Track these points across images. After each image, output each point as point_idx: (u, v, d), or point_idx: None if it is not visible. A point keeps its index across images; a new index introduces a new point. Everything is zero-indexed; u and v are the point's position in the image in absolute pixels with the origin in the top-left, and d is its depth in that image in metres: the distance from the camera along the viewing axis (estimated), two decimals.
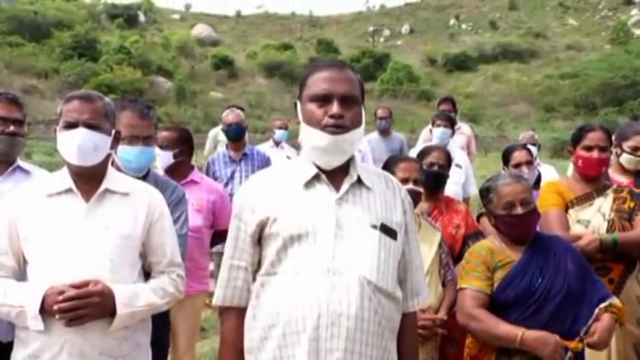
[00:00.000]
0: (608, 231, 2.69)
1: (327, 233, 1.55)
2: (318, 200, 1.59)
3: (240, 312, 1.64)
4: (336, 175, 1.63)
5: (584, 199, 2.79)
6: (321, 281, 1.51)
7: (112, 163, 2.47)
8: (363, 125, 1.65)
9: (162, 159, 3.26)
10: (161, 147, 3.22)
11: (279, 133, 6.15)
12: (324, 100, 1.59)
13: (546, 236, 2.41)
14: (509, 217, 2.28)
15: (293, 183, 1.63)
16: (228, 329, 1.67)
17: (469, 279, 2.29)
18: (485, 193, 2.40)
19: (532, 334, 2.12)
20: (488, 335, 2.21)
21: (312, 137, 1.60)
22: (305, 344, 1.49)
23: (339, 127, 1.57)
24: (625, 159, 3.11)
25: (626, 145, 3.10)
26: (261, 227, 1.60)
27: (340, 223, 1.56)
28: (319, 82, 1.60)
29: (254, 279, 1.64)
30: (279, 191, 1.63)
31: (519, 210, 2.27)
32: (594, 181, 2.81)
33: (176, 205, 2.46)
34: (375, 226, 1.59)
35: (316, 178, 1.62)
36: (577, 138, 2.85)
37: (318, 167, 1.63)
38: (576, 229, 2.73)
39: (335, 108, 1.57)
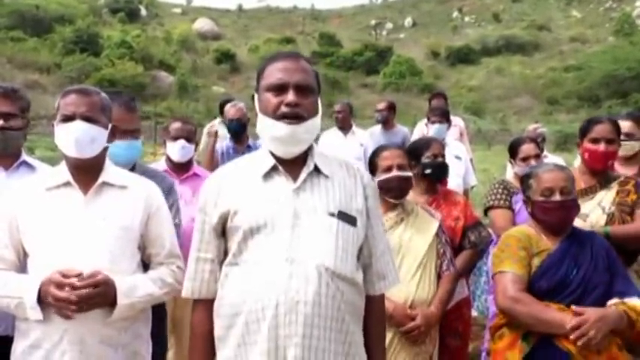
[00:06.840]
0: (606, 224, 2.65)
1: (284, 223, 1.59)
2: (276, 191, 1.63)
3: (209, 303, 1.68)
4: (294, 166, 1.66)
5: (586, 193, 2.76)
6: (280, 270, 1.55)
7: None
8: (320, 115, 1.68)
9: (187, 152, 3.27)
10: (176, 139, 3.24)
11: None
12: (280, 89, 1.62)
13: (583, 231, 2.37)
14: (547, 203, 2.26)
15: (252, 175, 1.67)
16: (197, 320, 1.72)
17: (510, 263, 2.24)
18: (525, 178, 2.40)
19: None
20: (534, 319, 2.14)
21: (269, 127, 1.63)
22: (265, 331, 1.54)
23: (295, 117, 1.60)
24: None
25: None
26: (224, 220, 1.65)
27: (298, 212, 1.60)
28: (275, 72, 1.64)
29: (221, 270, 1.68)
30: (240, 184, 1.67)
31: (557, 197, 2.25)
32: (600, 173, 2.78)
33: (166, 194, 2.44)
34: (332, 214, 1.62)
35: (274, 169, 1.66)
36: (584, 130, 2.81)
37: (277, 158, 1.66)
38: (575, 223, 2.71)
39: (290, 96, 1.60)
